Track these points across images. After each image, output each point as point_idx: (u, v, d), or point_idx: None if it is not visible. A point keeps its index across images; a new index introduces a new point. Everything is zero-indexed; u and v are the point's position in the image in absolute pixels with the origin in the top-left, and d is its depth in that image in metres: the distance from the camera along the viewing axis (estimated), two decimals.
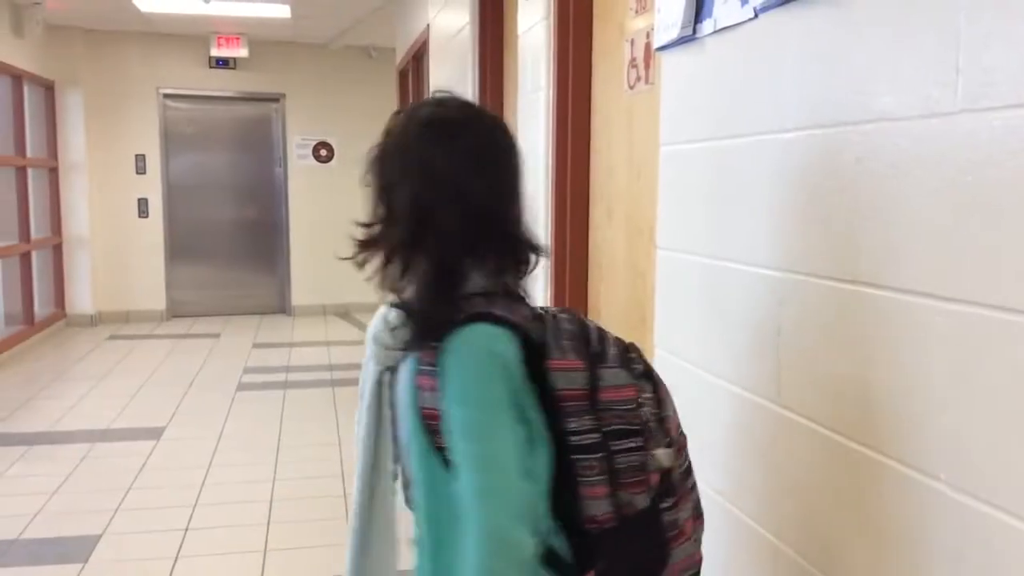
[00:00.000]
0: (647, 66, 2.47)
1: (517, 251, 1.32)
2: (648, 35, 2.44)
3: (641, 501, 1.27)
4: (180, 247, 9.85)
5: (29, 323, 8.12)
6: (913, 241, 1.20)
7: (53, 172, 8.98)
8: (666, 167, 2.00)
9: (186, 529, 3.90)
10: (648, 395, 1.32)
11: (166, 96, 9.65)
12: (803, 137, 1.44)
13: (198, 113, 9.89)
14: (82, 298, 9.29)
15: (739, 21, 1.62)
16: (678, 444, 1.35)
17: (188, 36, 9.43)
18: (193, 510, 4.12)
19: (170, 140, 9.75)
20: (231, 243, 10.08)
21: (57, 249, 9.05)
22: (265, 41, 9.60)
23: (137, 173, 9.56)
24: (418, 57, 6.57)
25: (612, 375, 1.29)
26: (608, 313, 2.83)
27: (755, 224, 1.60)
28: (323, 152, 10.03)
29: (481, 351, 1.22)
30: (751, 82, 1.61)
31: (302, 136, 10.00)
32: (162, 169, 9.66)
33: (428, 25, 5.75)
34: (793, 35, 1.47)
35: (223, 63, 9.65)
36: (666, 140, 1.99)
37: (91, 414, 5.79)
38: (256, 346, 8.20)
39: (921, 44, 1.17)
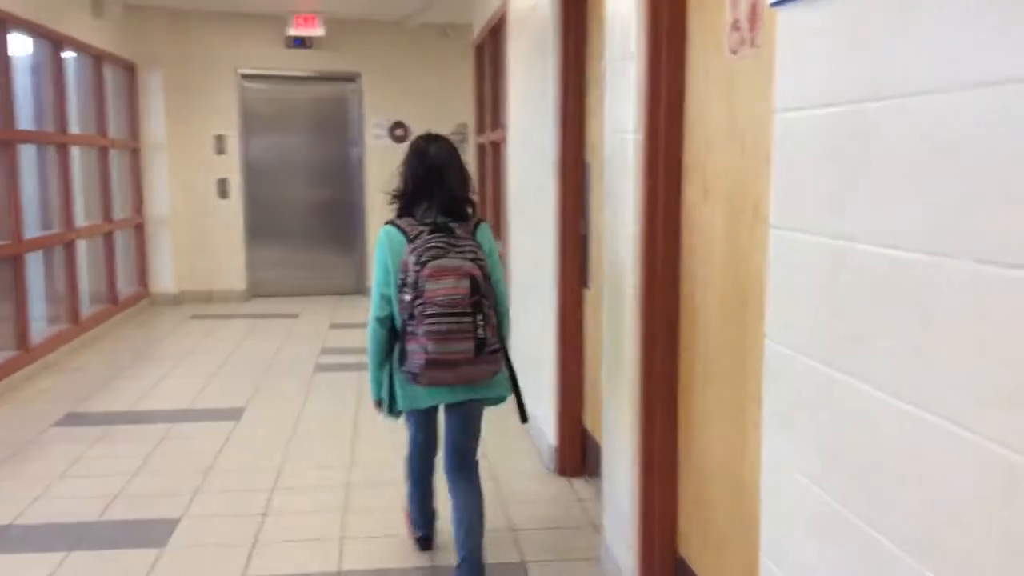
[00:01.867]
0: (753, 28, 2.26)
1: (419, 201, 3.05)
2: None
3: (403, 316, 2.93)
4: (259, 227, 9.90)
5: (113, 302, 8.23)
6: None
7: (135, 152, 9.08)
8: (781, 137, 1.80)
9: (264, 513, 3.84)
10: (414, 273, 2.85)
11: (244, 76, 9.68)
12: (970, 98, 1.23)
13: (276, 93, 9.90)
14: (164, 278, 9.41)
15: None
16: (425, 298, 2.82)
17: (266, 16, 9.41)
18: (271, 494, 4.06)
19: (249, 120, 9.78)
20: (308, 223, 10.09)
21: (139, 229, 9.17)
22: (342, 20, 9.53)
23: (216, 153, 9.62)
24: (495, 31, 6.40)
25: (413, 258, 2.86)
26: (704, 296, 2.63)
27: (896, 200, 1.40)
28: (399, 132, 9.94)
29: (380, 235, 3.04)
30: (896, 34, 1.40)
31: (378, 116, 9.94)
32: (241, 149, 9.70)
33: None
34: None
35: (300, 43, 9.62)
36: (782, 106, 1.78)
37: (172, 393, 5.81)
38: (333, 326, 8.18)
39: None
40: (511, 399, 3.16)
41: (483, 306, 2.87)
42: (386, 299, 3.00)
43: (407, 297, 2.88)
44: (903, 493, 1.40)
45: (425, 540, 3.50)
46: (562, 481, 4.28)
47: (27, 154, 6.72)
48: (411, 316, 2.86)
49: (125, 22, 8.68)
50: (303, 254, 10.10)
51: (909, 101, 1.35)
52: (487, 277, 2.92)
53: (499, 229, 6.66)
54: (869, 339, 1.48)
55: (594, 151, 4.05)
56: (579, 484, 4.24)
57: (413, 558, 3.46)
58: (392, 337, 3.03)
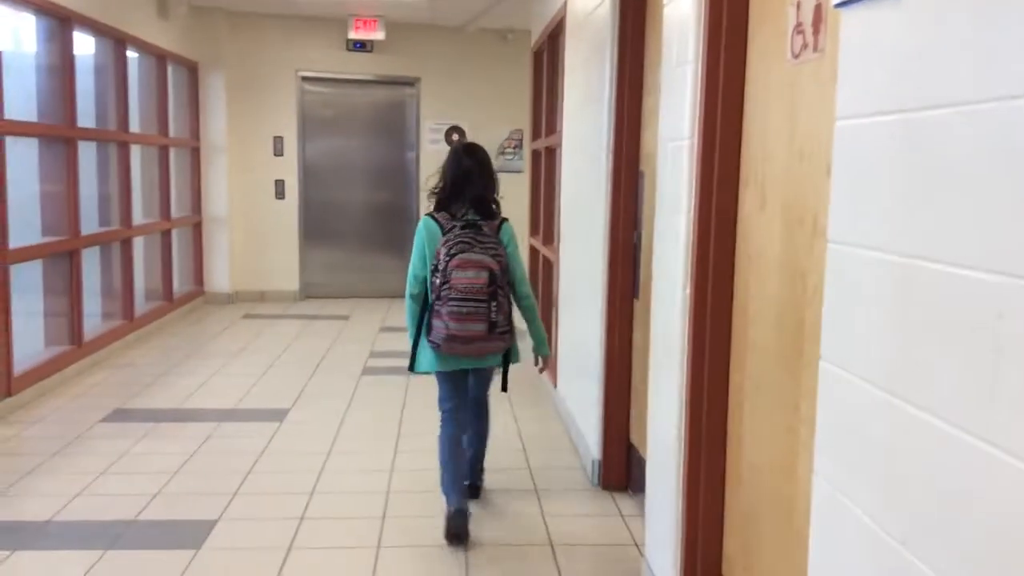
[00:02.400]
0: (816, 31, 2.14)
1: (454, 202, 3.61)
2: None
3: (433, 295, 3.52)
4: (314, 229, 9.95)
5: (168, 299, 8.32)
6: None
7: (195, 152, 9.18)
8: (843, 145, 1.68)
9: (301, 518, 3.79)
10: (445, 261, 3.43)
11: (304, 79, 9.74)
12: None
13: (335, 96, 9.95)
14: (220, 276, 9.49)
15: None
16: (451, 284, 3.42)
17: (327, 19, 9.47)
18: (310, 498, 4.01)
19: (307, 123, 9.84)
20: (362, 226, 10.12)
21: (197, 228, 9.26)
22: (402, 24, 9.55)
23: (275, 155, 9.70)
24: (554, 36, 6.32)
25: (444, 250, 3.46)
26: (757, 313, 2.51)
27: (968, 215, 1.28)
28: (455, 137, 9.92)
29: (419, 224, 3.64)
30: (970, 39, 1.28)
31: (435, 120, 9.92)
32: (299, 151, 9.76)
33: (565, 1, 5.49)
34: None
35: (360, 46, 9.66)
36: (845, 113, 1.67)
37: (219, 392, 5.82)
38: (383, 330, 8.16)
39: None
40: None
41: (498, 295, 3.49)
42: (420, 279, 3.62)
43: (436, 281, 3.49)
44: (970, 536, 1.28)
45: (460, 516, 3.57)
46: (605, 496, 4.17)
47: (89, 152, 6.82)
48: (438, 297, 3.48)
49: (189, 23, 8.80)
50: (356, 256, 10.12)
51: (986, 107, 1.23)
52: (504, 270, 3.54)
53: (551, 235, 6.57)
54: (935, 366, 1.36)
55: (648, 161, 3.95)
56: (623, 499, 4.12)
57: (449, 571, 3.38)
58: (423, 309, 3.64)
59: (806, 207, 2.18)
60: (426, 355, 3.65)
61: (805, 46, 2.21)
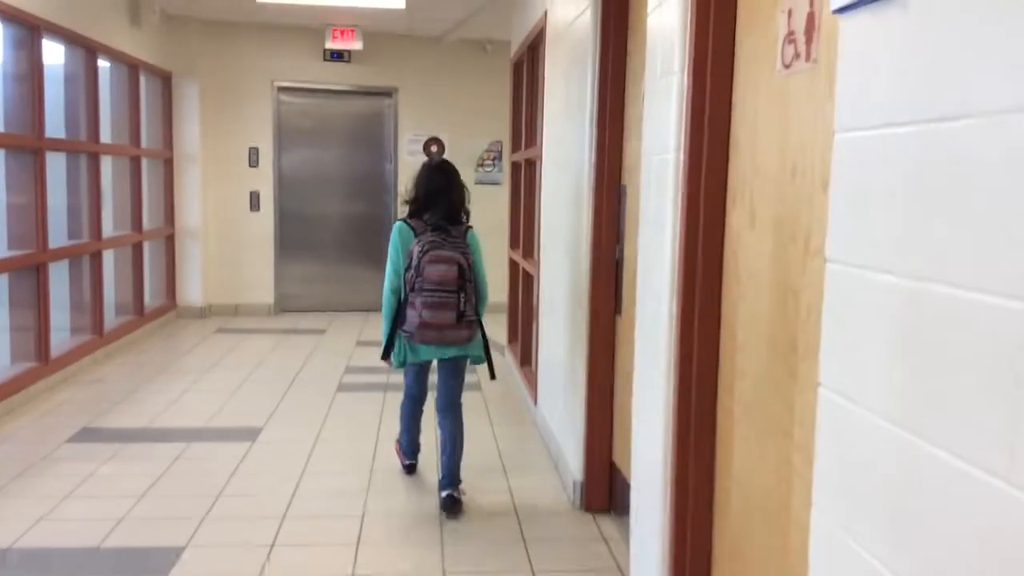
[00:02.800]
0: (809, 40, 2.04)
1: (427, 209, 4.07)
2: (812, 2, 2.02)
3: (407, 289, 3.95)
4: (289, 241, 9.80)
5: (139, 314, 8.14)
6: None
7: (168, 163, 9.02)
8: (843, 159, 1.58)
9: (272, 545, 3.65)
10: (418, 258, 3.85)
11: (280, 89, 9.61)
12: None
13: (311, 107, 9.82)
14: (192, 290, 9.32)
15: None
16: (424, 276, 3.82)
17: (303, 28, 9.34)
18: (281, 523, 3.87)
19: (283, 133, 9.70)
20: (339, 238, 9.98)
21: (169, 240, 9.09)
22: (380, 34, 9.44)
23: (250, 166, 9.55)
24: (534, 47, 6.23)
25: (417, 248, 3.89)
26: (747, 334, 2.41)
27: (987, 235, 1.18)
28: (434, 148, 9.71)
29: (394, 228, 4.13)
30: (983, 45, 1.19)
31: (413, 132, 9.81)
32: (274, 162, 9.62)
33: (545, 12, 5.40)
34: None
35: (337, 56, 9.54)
36: (845, 125, 1.57)
37: (190, 410, 5.66)
38: (360, 344, 8.02)
39: None
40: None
41: (466, 287, 3.92)
42: (397, 276, 4.05)
43: (410, 275, 3.92)
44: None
45: (411, 467, 4.53)
46: (587, 518, 4.06)
47: (58, 162, 6.65)
48: (412, 289, 3.91)
49: (162, 31, 8.65)
50: (333, 269, 9.97)
51: (1013, 118, 1.13)
52: (471, 266, 3.97)
53: (531, 249, 6.47)
54: (950, 398, 1.26)
55: (631, 174, 3.85)
56: (605, 522, 4.01)
57: None
58: (398, 305, 4.06)
59: (799, 224, 2.08)
60: (403, 348, 4.07)
61: (797, 56, 2.12)
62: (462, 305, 3.88)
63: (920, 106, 1.34)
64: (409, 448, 4.49)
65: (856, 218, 1.53)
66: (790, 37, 2.16)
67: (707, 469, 2.67)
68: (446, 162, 4.30)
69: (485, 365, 4.17)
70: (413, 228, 4.04)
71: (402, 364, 4.14)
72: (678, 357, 2.66)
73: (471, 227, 4.16)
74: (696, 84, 2.56)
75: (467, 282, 3.91)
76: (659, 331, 2.78)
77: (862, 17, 1.52)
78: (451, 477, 4.05)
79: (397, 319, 4.03)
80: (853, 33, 1.56)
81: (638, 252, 3.18)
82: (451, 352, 4.04)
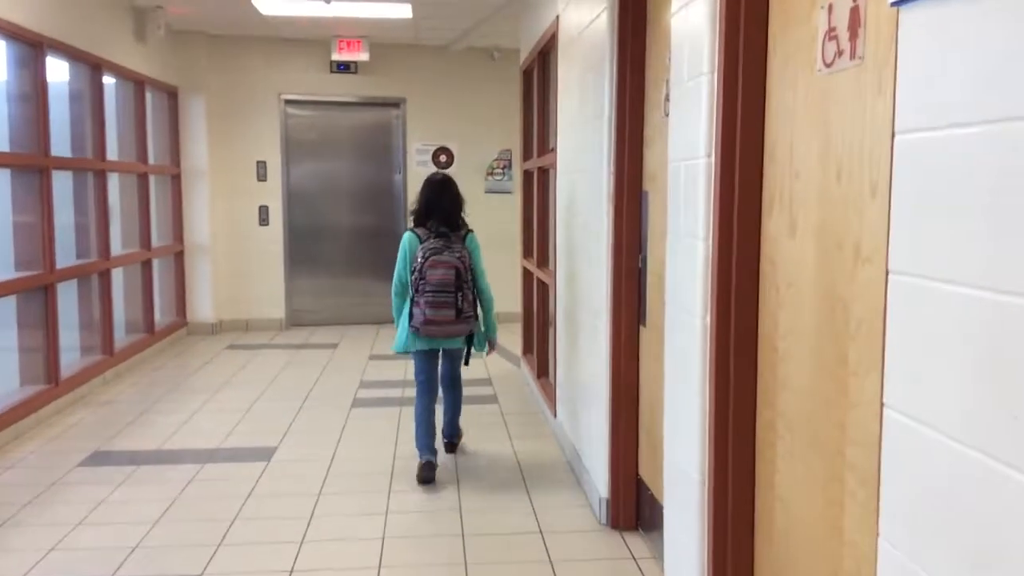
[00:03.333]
0: (854, 36, 1.93)
1: (428, 219, 4.62)
2: None
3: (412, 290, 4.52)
4: (299, 255, 9.71)
5: (150, 331, 8.05)
6: None
7: (175, 179, 8.94)
8: (907, 163, 1.47)
9: (290, 571, 3.53)
10: (420, 263, 4.43)
11: (287, 102, 9.53)
12: None
13: (319, 119, 9.73)
14: (203, 306, 9.22)
15: None
16: (426, 279, 4.39)
17: (310, 40, 9.27)
18: (300, 547, 3.76)
19: (291, 147, 9.62)
20: (349, 251, 9.88)
21: (179, 257, 9.00)
22: (386, 44, 9.36)
23: (258, 180, 9.47)
24: (544, 53, 6.13)
25: (420, 255, 4.45)
26: (789, 346, 2.29)
27: None
28: (443, 158, 9.72)
29: (403, 237, 4.66)
30: None
31: (422, 142, 9.72)
32: (283, 176, 9.53)
33: (557, 17, 5.30)
34: None
35: (344, 67, 9.46)
36: (908, 126, 1.46)
37: (203, 431, 5.56)
38: (373, 358, 7.91)
39: None
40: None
41: (463, 287, 4.46)
42: (403, 280, 4.62)
43: (415, 277, 4.48)
44: None
45: (428, 466, 4.58)
46: (615, 536, 3.93)
47: (65, 181, 6.57)
48: (417, 290, 4.47)
49: (168, 46, 8.58)
50: (343, 282, 9.88)
51: None
52: (468, 269, 4.51)
53: (544, 258, 6.35)
54: None
55: (652, 180, 3.74)
56: (634, 540, 3.89)
57: None
58: (402, 302, 4.65)
59: (847, 230, 1.96)
60: (407, 338, 4.61)
61: (840, 53, 2.00)
62: (460, 303, 4.44)
63: (999, 104, 1.22)
64: (425, 443, 4.66)
65: (925, 226, 1.42)
66: (831, 34, 2.04)
67: (747, 486, 2.54)
68: (443, 175, 4.83)
69: (480, 353, 4.89)
70: (419, 236, 4.59)
71: (406, 350, 4.67)
72: (714, 369, 2.54)
73: (471, 231, 4.69)
74: (727, 86, 2.45)
75: (464, 283, 4.47)
76: (693, 344, 2.66)
77: (926, 9, 1.41)
78: (452, 428, 5.07)
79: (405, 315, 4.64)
80: (915, 27, 1.45)
81: (666, 260, 3.06)
82: (452, 344, 4.68)
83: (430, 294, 4.39)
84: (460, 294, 4.42)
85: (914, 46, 1.46)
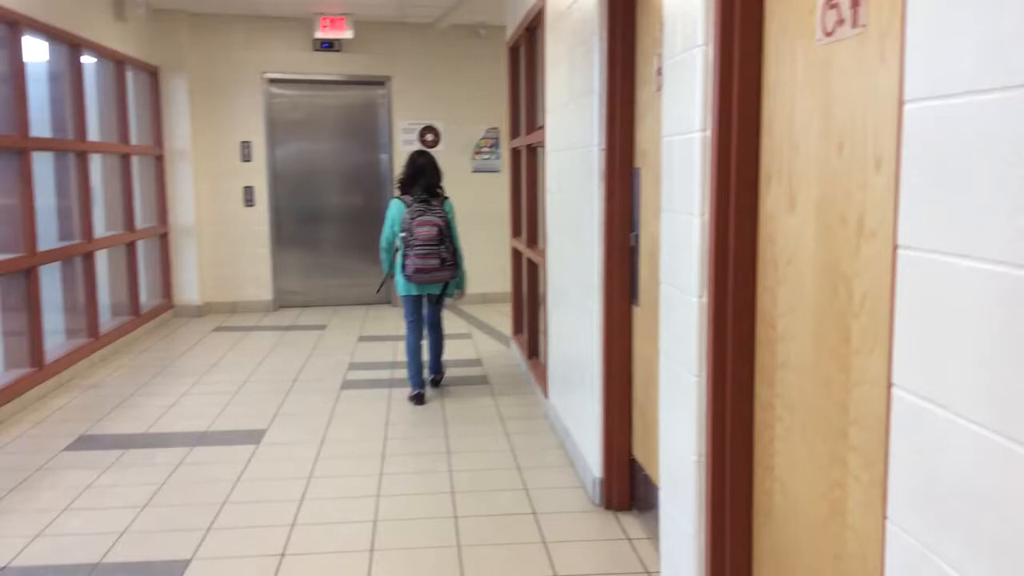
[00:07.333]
0: (856, 4, 1.87)
1: (413, 187, 5.68)
2: None
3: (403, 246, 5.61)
4: (286, 236, 9.62)
5: (135, 314, 7.96)
6: None
7: (158, 160, 8.82)
8: (917, 132, 1.42)
9: (281, 555, 3.49)
10: (409, 223, 5.50)
11: (271, 81, 9.40)
12: None
13: (303, 98, 9.61)
14: (189, 288, 9.13)
15: None
16: (415, 235, 5.47)
17: (292, 18, 9.14)
18: (291, 530, 3.71)
19: (275, 126, 9.50)
20: (337, 231, 9.79)
21: (163, 239, 8.90)
22: (370, 22, 9.23)
23: (242, 160, 9.35)
24: (531, 29, 6.04)
25: (408, 215, 5.53)
26: (789, 325, 2.25)
27: None
28: (429, 137, 9.62)
29: (391, 203, 5.75)
30: None
31: (408, 121, 9.62)
32: (267, 156, 9.42)
33: None
34: None
35: (328, 45, 9.33)
36: (917, 94, 1.40)
37: (191, 414, 5.49)
38: (362, 339, 7.86)
39: None
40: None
41: (444, 241, 5.49)
42: (388, 239, 5.69)
43: (404, 235, 5.48)
44: None
45: (419, 397, 5.70)
46: (609, 516, 3.90)
47: (45, 162, 6.46)
48: (407, 245, 5.46)
49: (148, 25, 8.44)
50: (331, 263, 9.80)
51: None
52: (447, 227, 5.54)
53: (534, 237, 6.30)
54: None
55: (644, 157, 3.68)
56: (628, 520, 3.86)
57: None
58: (389, 255, 5.75)
59: (849, 204, 1.91)
60: (400, 283, 5.64)
61: (841, 22, 1.95)
62: (443, 253, 5.49)
63: (1018, 69, 1.17)
64: (414, 378, 5.74)
65: (937, 199, 1.37)
66: (831, 2, 1.98)
67: (745, 467, 2.51)
68: (424, 151, 5.82)
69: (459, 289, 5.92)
70: (405, 202, 5.58)
71: (402, 293, 5.71)
72: (711, 348, 2.49)
73: (447, 197, 5.75)
74: (723, 57, 2.39)
75: (445, 238, 5.51)
76: (688, 322, 2.62)
77: None
78: (435, 365, 6.10)
79: (393, 264, 5.74)
80: None
81: (660, 238, 3.01)
82: (436, 289, 5.70)
83: (419, 247, 5.44)
84: (442, 246, 5.48)
85: (925, 8, 1.40)
